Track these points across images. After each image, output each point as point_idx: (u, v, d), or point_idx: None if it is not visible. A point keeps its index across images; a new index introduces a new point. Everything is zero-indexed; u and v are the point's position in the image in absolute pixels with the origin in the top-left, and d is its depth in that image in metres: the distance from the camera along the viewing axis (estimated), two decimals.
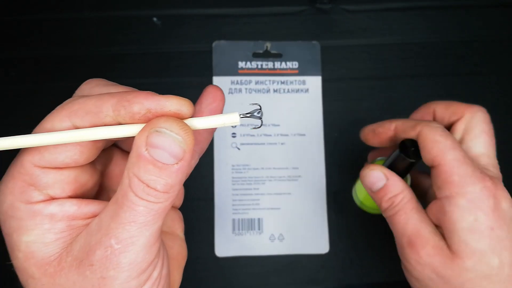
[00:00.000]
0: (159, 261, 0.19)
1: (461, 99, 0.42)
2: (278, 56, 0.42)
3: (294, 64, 0.42)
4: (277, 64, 0.41)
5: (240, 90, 0.41)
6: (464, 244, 0.23)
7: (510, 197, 0.25)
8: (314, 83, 0.41)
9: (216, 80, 0.41)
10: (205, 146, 0.23)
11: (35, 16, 0.42)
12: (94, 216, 0.19)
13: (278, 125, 0.41)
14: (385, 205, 0.27)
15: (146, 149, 0.17)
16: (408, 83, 0.42)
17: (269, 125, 0.41)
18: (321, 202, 0.40)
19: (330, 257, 0.39)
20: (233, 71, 0.41)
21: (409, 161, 0.27)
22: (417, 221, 0.25)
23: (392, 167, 0.28)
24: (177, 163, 0.17)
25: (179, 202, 0.25)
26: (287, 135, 0.41)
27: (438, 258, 0.24)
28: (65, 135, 0.18)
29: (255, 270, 0.39)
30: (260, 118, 0.19)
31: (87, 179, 0.20)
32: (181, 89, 0.41)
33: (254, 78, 0.41)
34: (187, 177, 0.20)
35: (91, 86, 0.21)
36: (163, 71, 0.41)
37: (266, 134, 0.41)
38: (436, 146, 0.25)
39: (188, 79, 0.41)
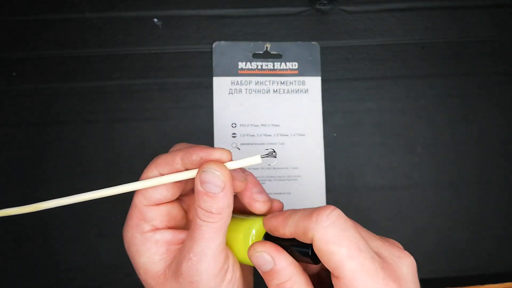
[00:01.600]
0: (229, 266, 0.25)
1: (460, 99, 0.42)
2: (278, 57, 0.42)
3: (294, 65, 0.42)
4: (277, 65, 0.42)
5: (240, 91, 0.41)
6: None
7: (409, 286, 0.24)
8: (314, 83, 0.42)
9: (217, 80, 0.41)
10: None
11: (36, 17, 0.42)
12: (184, 241, 0.26)
13: (278, 125, 0.41)
14: (274, 282, 0.25)
15: (201, 186, 0.24)
16: (407, 83, 0.42)
17: (269, 125, 0.41)
18: (321, 201, 0.40)
19: None
20: (233, 71, 0.41)
21: (312, 263, 0.24)
22: None
23: (283, 246, 0.25)
24: (221, 191, 0.24)
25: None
26: (286, 135, 0.41)
27: None
28: (154, 180, 0.26)
29: (254, 270, 0.39)
30: (275, 157, 0.26)
31: (176, 213, 0.27)
32: (182, 89, 0.41)
33: (254, 79, 0.41)
34: (231, 206, 0.25)
35: (175, 147, 0.28)
36: (163, 72, 0.42)
37: (266, 134, 0.41)
38: (332, 258, 0.22)
39: (189, 80, 0.42)
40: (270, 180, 0.40)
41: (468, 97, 0.42)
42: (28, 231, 0.39)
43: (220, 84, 0.41)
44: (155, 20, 0.42)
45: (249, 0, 0.43)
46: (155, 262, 0.26)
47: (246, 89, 0.41)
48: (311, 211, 0.24)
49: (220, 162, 0.25)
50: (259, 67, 0.42)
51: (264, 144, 0.41)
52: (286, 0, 0.43)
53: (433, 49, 0.43)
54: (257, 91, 0.41)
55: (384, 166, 0.41)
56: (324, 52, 0.42)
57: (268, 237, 0.26)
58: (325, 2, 0.43)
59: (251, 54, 0.42)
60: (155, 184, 0.26)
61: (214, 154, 0.25)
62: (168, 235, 0.26)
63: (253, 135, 0.41)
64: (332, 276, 0.23)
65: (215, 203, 0.24)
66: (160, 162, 0.26)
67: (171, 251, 0.26)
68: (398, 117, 0.42)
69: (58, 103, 0.41)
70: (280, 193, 0.40)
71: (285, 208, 0.40)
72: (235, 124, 0.41)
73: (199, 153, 0.25)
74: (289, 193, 0.40)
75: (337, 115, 0.42)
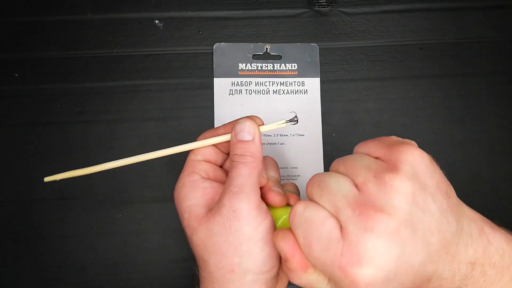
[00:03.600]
0: (268, 209, 0.28)
1: (459, 99, 0.43)
2: (277, 58, 0.42)
3: (293, 66, 0.42)
4: (277, 66, 0.42)
5: (240, 92, 0.42)
6: None
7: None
8: (313, 84, 0.42)
9: (217, 81, 0.42)
10: None
11: (38, 18, 0.42)
12: None
13: None
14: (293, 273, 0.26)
15: (236, 136, 0.29)
16: (406, 84, 0.43)
17: None
18: None
19: None
20: (234, 72, 0.42)
21: None
22: None
23: None
24: (252, 139, 0.28)
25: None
26: (286, 135, 0.41)
27: None
28: (203, 142, 0.30)
29: None
30: (297, 121, 0.30)
31: (221, 174, 0.31)
32: (183, 90, 0.42)
33: (254, 80, 0.42)
34: (262, 158, 0.29)
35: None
36: (164, 73, 0.42)
37: (266, 135, 0.41)
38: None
39: (190, 81, 0.42)
40: None
41: (466, 97, 0.43)
42: (28, 231, 0.39)
43: (221, 85, 0.42)
44: (156, 21, 0.43)
45: (249, 2, 0.43)
46: (200, 205, 0.28)
47: (246, 90, 0.42)
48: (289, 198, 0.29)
49: (252, 119, 0.29)
50: (259, 68, 0.42)
51: (264, 144, 0.41)
52: (285, 2, 0.43)
53: (431, 50, 0.43)
54: (257, 92, 0.42)
55: None
56: (323, 53, 0.43)
57: None
58: (324, 4, 0.43)
59: (251, 55, 0.42)
60: (200, 146, 0.30)
61: (250, 116, 0.30)
62: (215, 185, 0.30)
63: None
64: None
65: (248, 147, 0.28)
66: (207, 132, 0.31)
67: (213, 200, 0.29)
68: (397, 117, 0.42)
69: (59, 104, 0.41)
70: None
71: None
72: None
73: (242, 118, 0.30)
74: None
75: (336, 115, 0.42)
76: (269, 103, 0.41)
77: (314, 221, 0.23)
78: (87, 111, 0.41)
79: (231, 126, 0.30)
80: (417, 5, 0.44)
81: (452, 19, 0.44)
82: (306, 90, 0.42)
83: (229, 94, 0.41)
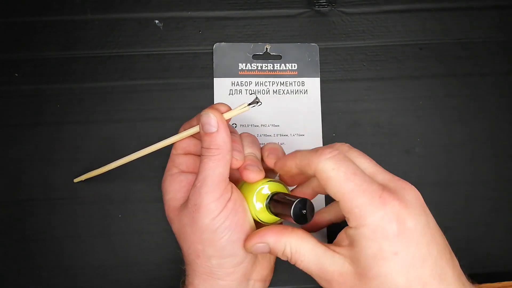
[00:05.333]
0: (231, 197, 0.29)
1: (458, 99, 0.43)
2: (277, 58, 0.42)
3: (293, 66, 0.42)
4: (277, 66, 0.42)
5: (240, 92, 0.42)
6: (368, 269, 0.25)
7: (415, 211, 0.25)
8: (313, 84, 0.42)
9: (217, 81, 0.42)
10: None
11: (39, 18, 0.42)
12: None
13: (278, 126, 0.41)
14: (284, 259, 0.29)
15: (202, 129, 0.29)
16: (405, 84, 0.43)
17: (269, 126, 0.41)
18: (320, 201, 0.40)
19: None
20: (234, 72, 0.42)
21: (292, 220, 0.27)
22: (316, 260, 0.27)
23: (277, 204, 0.29)
24: (217, 130, 0.29)
25: None
26: (286, 135, 0.41)
27: (347, 283, 0.26)
28: (176, 136, 0.32)
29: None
30: (259, 102, 0.31)
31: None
32: (183, 90, 0.42)
33: (254, 80, 0.42)
34: (229, 145, 0.30)
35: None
36: (164, 73, 0.42)
37: (266, 134, 0.41)
38: (331, 183, 0.26)
39: (190, 81, 0.42)
40: None
41: (466, 97, 0.43)
42: (28, 231, 0.40)
43: (221, 85, 0.42)
44: (156, 21, 0.43)
45: (249, 2, 0.43)
46: (177, 199, 0.31)
47: (246, 90, 0.42)
48: (316, 149, 0.28)
49: (215, 109, 0.30)
50: (259, 68, 0.42)
51: (264, 144, 0.41)
52: (285, 2, 0.43)
53: (431, 50, 0.43)
54: (257, 92, 0.42)
55: (382, 166, 0.41)
56: (323, 53, 0.43)
57: (272, 197, 0.30)
58: (324, 4, 0.43)
59: (251, 55, 0.42)
60: (176, 139, 0.32)
61: (214, 105, 0.31)
62: (190, 177, 0.31)
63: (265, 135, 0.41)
64: (338, 202, 0.26)
65: (213, 140, 0.29)
66: (184, 124, 0.33)
67: (189, 189, 0.30)
68: (396, 117, 0.42)
69: (60, 104, 0.41)
70: None
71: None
72: (235, 124, 0.41)
73: (206, 110, 0.30)
74: None
75: (336, 115, 0.42)
76: (269, 103, 0.41)
77: (352, 164, 0.26)
78: (87, 111, 0.41)
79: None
80: (417, 5, 0.44)
81: (452, 19, 0.44)
82: (306, 90, 0.42)
83: (229, 94, 0.41)
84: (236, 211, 0.29)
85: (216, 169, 0.29)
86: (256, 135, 0.41)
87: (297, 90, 0.42)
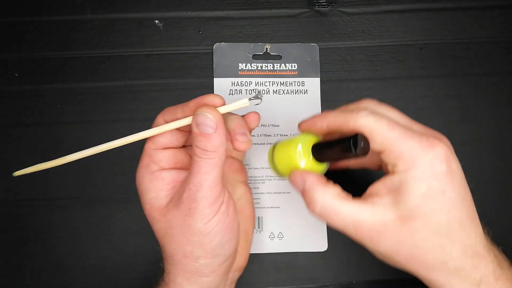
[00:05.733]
0: (224, 200, 0.29)
1: (458, 99, 0.43)
2: (277, 58, 0.42)
3: (293, 66, 0.42)
4: (277, 66, 0.42)
5: (240, 92, 0.42)
6: (416, 208, 0.26)
7: (456, 157, 0.27)
8: (313, 84, 0.42)
9: (217, 81, 0.42)
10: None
11: (38, 18, 0.42)
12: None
13: (278, 126, 0.41)
14: (308, 206, 0.28)
15: (197, 127, 0.27)
16: (406, 84, 0.43)
17: (269, 126, 0.41)
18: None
19: (329, 255, 0.40)
20: (234, 72, 0.42)
21: (354, 154, 0.27)
22: (353, 214, 0.27)
23: (328, 148, 0.29)
24: (214, 132, 0.27)
25: (242, 158, 0.36)
26: (286, 135, 0.41)
27: (388, 231, 0.26)
28: (158, 129, 0.29)
29: (254, 267, 0.40)
30: (260, 98, 0.29)
31: (182, 158, 0.31)
32: (183, 90, 0.42)
33: (254, 80, 0.42)
34: (225, 145, 0.29)
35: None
36: (165, 73, 0.42)
37: (266, 135, 0.41)
38: (376, 135, 0.27)
39: (190, 81, 0.42)
40: (270, 180, 0.41)
41: (465, 97, 0.43)
42: (28, 231, 0.40)
43: (221, 85, 0.42)
44: (156, 21, 0.43)
45: (249, 2, 0.43)
46: (161, 197, 0.30)
47: (246, 90, 0.42)
48: (349, 108, 0.29)
49: (212, 107, 0.28)
50: (259, 68, 0.42)
51: (264, 144, 0.41)
52: (285, 2, 0.43)
53: (431, 50, 0.43)
54: (257, 92, 0.42)
55: None
56: (323, 53, 0.43)
57: (314, 148, 0.29)
58: (324, 3, 0.44)
59: (251, 56, 0.42)
60: (158, 132, 0.29)
61: (207, 98, 0.28)
62: (174, 173, 0.30)
63: (253, 135, 0.41)
64: (382, 154, 0.27)
65: (210, 142, 0.27)
66: (165, 112, 0.30)
67: (175, 188, 0.30)
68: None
69: (60, 104, 0.41)
70: (280, 193, 0.40)
71: (284, 208, 0.40)
72: None
73: (195, 100, 0.29)
74: (289, 193, 0.40)
75: None
76: (269, 103, 0.41)
77: (390, 116, 0.28)
78: (87, 111, 0.41)
79: (190, 109, 0.29)
80: (417, 5, 0.44)
81: (452, 19, 0.44)
82: (306, 90, 0.42)
83: (229, 94, 0.41)
84: (227, 213, 0.29)
85: (212, 173, 0.28)
86: (256, 135, 0.41)
87: (297, 90, 0.42)
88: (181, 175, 0.30)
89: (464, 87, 0.43)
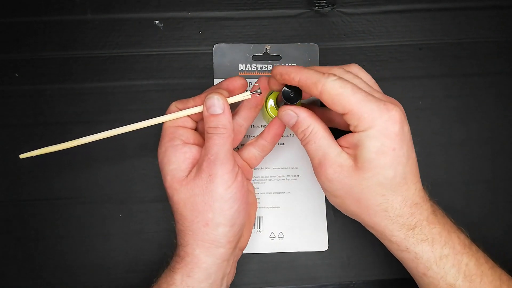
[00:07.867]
0: (239, 171, 0.33)
1: (458, 99, 0.43)
2: (277, 58, 0.42)
3: None
4: None
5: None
6: (368, 162, 0.30)
7: (407, 121, 0.31)
8: None
9: (217, 82, 0.42)
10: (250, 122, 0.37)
11: (39, 18, 0.42)
12: None
13: None
14: (299, 136, 0.33)
15: (208, 110, 0.32)
16: (405, 84, 0.43)
17: None
18: (320, 200, 0.40)
19: (329, 255, 0.40)
20: (234, 73, 0.42)
21: (290, 103, 0.33)
22: (325, 147, 0.32)
23: (279, 98, 0.34)
24: (222, 112, 0.32)
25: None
26: (286, 135, 0.41)
27: (343, 173, 0.31)
28: (175, 114, 0.34)
29: (255, 267, 0.40)
30: (260, 93, 0.34)
31: (197, 136, 0.35)
32: (183, 90, 0.42)
33: (254, 80, 0.42)
34: (231, 124, 0.32)
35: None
36: (165, 73, 0.42)
37: None
38: (340, 98, 0.30)
39: (190, 81, 0.42)
40: (270, 180, 0.41)
41: (466, 97, 0.43)
42: (28, 231, 0.40)
43: None
44: (156, 22, 0.43)
45: (249, 2, 0.43)
46: (182, 169, 0.33)
47: (246, 90, 0.42)
48: (322, 71, 0.31)
49: (219, 92, 0.32)
50: (259, 68, 0.42)
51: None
52: (285, 2, 0.43)
53: (431, 50, 0.43)
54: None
55: None
56: (323, 54, 0.43)
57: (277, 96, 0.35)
58: (324, 4, 0.44)
59: (251, 56, 0.42)
60: (177, 116, 0.34)
61: (217, 89, 0.34)
62: (194, 150, 0.33)
63: (253, 136, 0.41)
64: (345, 115, 0.30)
65: (220, 120, 0.32)
66: (178, 102, 0.35)
67: (195, 159, 0.33)
68: None
69: (60, 104, 0.41)
70: (280, 193, 0.40)
71: (285, 208, 0.40)
72: None
73: (205, 92, 0.34)
74: (289, 193, 0.41)
75: None
76: None
77: (355, 83, 0.31)
78: (87, 111, 0.41)
79: (200, 99, 0.34)
80: (417, 5, 0.44)
81: (452, 19, 0.44)
82: None
83: None
84: (243, 184, 0.33)
85: (225, 145, 0.32)
86: (256, 136, 0.41)
87: None
88: (198, 153, 0.33)
89: (464, 87, 0.43)
